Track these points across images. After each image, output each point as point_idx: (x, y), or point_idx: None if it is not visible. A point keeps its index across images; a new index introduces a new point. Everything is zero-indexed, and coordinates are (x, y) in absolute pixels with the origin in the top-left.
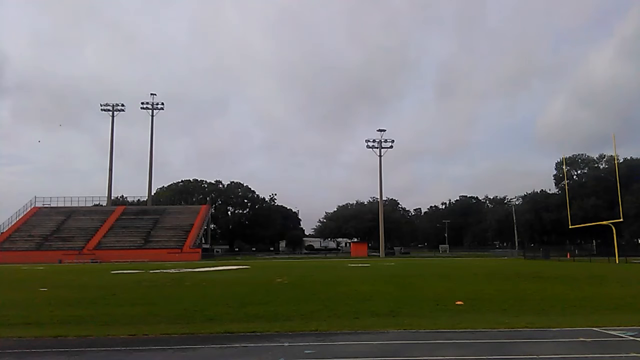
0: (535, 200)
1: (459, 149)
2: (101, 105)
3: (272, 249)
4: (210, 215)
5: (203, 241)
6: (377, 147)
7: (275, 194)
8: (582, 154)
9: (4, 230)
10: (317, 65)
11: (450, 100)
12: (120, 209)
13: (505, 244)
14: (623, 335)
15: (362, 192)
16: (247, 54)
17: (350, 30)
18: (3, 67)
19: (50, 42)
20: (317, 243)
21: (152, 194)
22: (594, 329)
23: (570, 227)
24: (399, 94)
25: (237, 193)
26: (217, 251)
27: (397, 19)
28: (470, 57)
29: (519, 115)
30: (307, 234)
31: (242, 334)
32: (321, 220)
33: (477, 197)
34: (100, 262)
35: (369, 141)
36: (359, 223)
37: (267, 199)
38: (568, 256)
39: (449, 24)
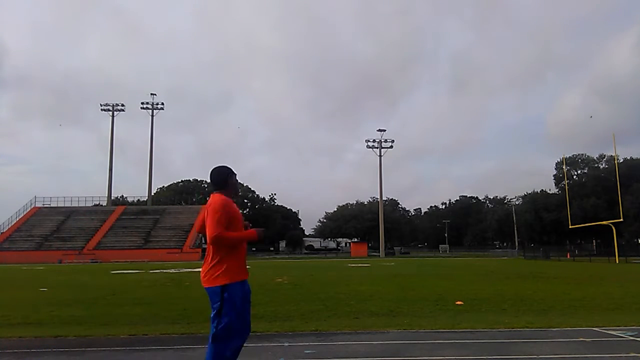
0: (535, 200)
1: (463, 148)
2: (101, 105)
3: (272, 249)
4: None
5: (203, 241)
6: (377, 147)
7: (275, 194)
8: (582, 154)
9: (4, 230)
10: (326, 58)
11: (461, 96)
12: (120, 209)
13: (505, 244)
14: (623, 335)
15: (366, 191)
16: (254, 46)
17: (361, 20)
18: (2, 61)
19: (50, 34)
20: (317, 243)
21: (152, 194)
22: (594, 329)
23: (570, 227)
24: (410, 90)
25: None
26: None
27: (411, 8)
28: (487, 48)
29: (529, 112)
30: (307, 234)
31: None
32: (321, 220)
33: (477, 197)
34: (100, 262)
35: (369, 141)
36: (359, 223)
37: (267, 199)
38: (568, 256)
39: (466, 12)
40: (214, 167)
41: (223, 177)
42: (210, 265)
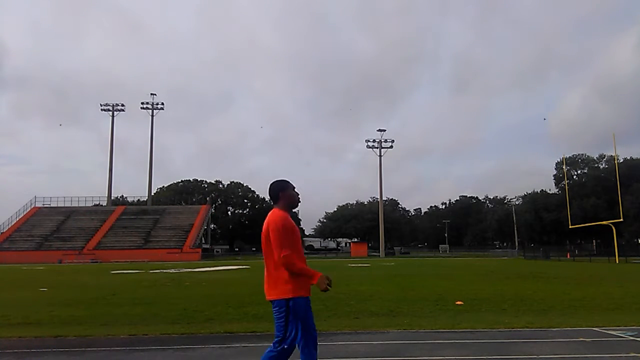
0: (535, 200)
1: (464, 148)
2: (101, 105)
3: None
4: (210, 215)
5: (203, 241)
6: (377, 147)
7: None
8: (582, 154)
9: (4, 230)
10: (327, 58)
11: (462, 96)
12: (120, 209)
13: (505, 244)
14: (623, 335)
15: (366, 191)
16: (254, 45)
17: (362, 19)
18: (2, 61)
19: (50, 34)
20: (317, 243)
21: (152, 194)
22: (594, 329)
23: (570, 227)
24: (411, 89)
25: (237, 193)
26: (217, 251)
27: (412, 7)
28: (488, 47)
29: (529, 112)
30: (307, 234)
31: (242, 334)
32: (321, 220)
33: (477, 197)
34: (100, 262)
35: (369, 141)
36: (359, 223)
37: (267, 199)
38: (568, 256)
39: (467, 11)
40: (272, 181)
41: (275, 192)
42: (271, 279)
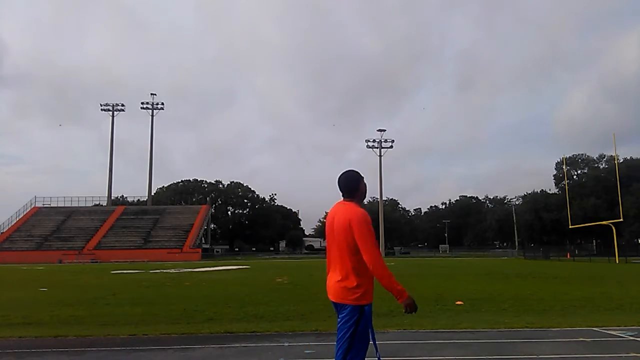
0: (536, 200)
1: (465, 148)
2: (101, 105)
3: (272, 249)
4: (210, 215)
5: (203, 241)
6: (377, 147)
7: (275, 194)
8: (582, 154)
9: (4, 230)
10: (330, 55)
11: (465, 94)
12: (120, 208)
13: (505, 244)
14: (623, 335)
15: (369, 191)
16: (256, 43)
17: (366, 16)
18: (2, 59)
19: (50, 32)
20: (317, 243)
21: (152, 194)
22: (594, 329)
23: (570, 227)
24: (414, 88)
25: (237, 193)
26: (217, 251)
27: (416, 3)
28: (492, 45)
29: (530, 112)
30: (307, 234)
31: (242, 334)
32: (321, 220)
33: (477, 197)
34: (100, 262)
35: (369, 141)
36: None
37: (267, 199)
38: (568, 256)
39: (472, 8)
40: (344, 171)
41: (354, 184)
42: (348, 280)
